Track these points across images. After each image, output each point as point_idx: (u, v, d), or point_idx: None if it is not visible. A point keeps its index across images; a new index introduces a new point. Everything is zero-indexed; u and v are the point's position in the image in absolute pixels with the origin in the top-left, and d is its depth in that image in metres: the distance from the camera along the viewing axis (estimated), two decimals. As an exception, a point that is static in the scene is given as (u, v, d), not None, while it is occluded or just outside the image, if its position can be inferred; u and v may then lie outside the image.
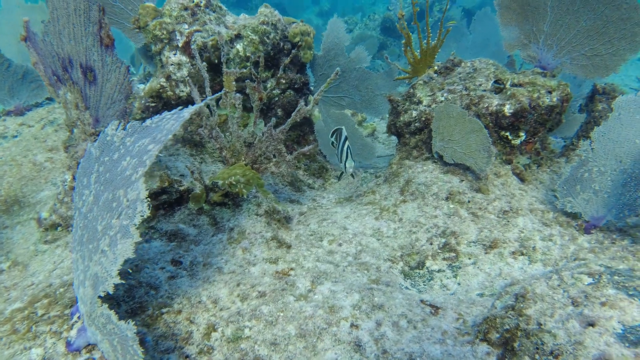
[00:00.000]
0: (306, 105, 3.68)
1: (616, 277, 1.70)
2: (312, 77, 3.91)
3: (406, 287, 2.33)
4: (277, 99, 3.47)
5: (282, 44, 3.31)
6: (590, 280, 1.71)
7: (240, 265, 2.19)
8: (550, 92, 2.82)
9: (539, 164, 3.18)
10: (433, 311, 1.94)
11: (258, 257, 2.27)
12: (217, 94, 1.60)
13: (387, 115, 3.47)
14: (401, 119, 3.23)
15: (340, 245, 2.54)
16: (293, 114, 2.53)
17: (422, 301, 2.02)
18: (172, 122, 1.54)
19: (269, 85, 3.41)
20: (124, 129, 1.69)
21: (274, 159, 2.63)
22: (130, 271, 1.98)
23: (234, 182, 2.48)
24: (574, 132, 3.55)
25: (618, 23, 2.80)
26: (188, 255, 2.20)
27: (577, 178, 2.55)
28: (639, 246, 2.11)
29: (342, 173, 2.82)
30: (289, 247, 2.42)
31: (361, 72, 3.47)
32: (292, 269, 2.21)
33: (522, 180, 2.98)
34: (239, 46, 3.08)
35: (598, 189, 2.48)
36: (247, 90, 2.53)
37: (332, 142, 2.84)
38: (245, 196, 2.45)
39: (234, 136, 2.65)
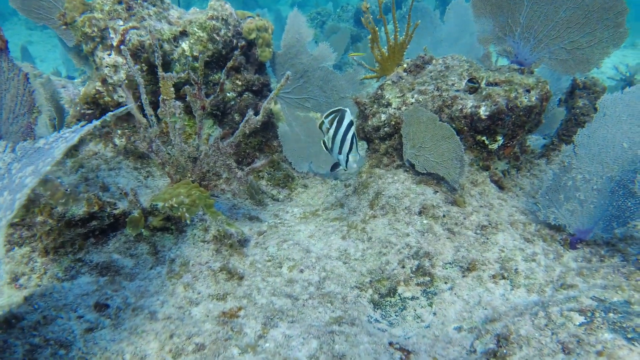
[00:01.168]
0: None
1: (611, 315, 1.45)
2: (274, 76, 3.58)
3: (376, 320, 2.05)
4: (233, 102, 3.14)
5: (235, 41, 2.97)
6: (582, 319, 1.46)
7: (179, 306, 1.86)
8: (528, 91, 2.57)
9: (518, 169, 2.94)
10: (404, 357, 1.66)
11: (202, 294, 1.95)
12: (120, 110, 1.27)
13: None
14: (369, 123, 2.94)
15: (301, 272, 2.24)
16: (241, 125, 2.21)
17: (390, 344, 1.74)
18: (64, 144, 1.21)
19: (225, 88, 3.06)
20: (13, 150, 1.35)
21: (224, 176, 2.31)
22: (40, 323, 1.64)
23: (176, 205, 2.15)
24: (554, 129, 3.33)
25: (600, 12, 2.56)
26: (117, 296, 1.87)
27: (560, 186, 2.31)
28: (632, 267, 1.88)
29: (334, 166, 2.28)
30: (241, 278, 2.11)
31: (325, 72, 3.16)
32: (241, 307, 1.90)
33: (500, 187, 2.73)
34: (185, 45, 2.73)
35: (583, 198, 2.24)
36: (187, 98, 2.19)
37: (326, 127, 2.27)
38: (188, 221, 2.12)
39: (176, 150, 2.31)
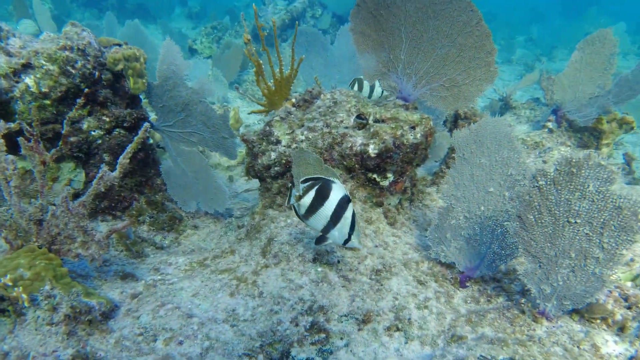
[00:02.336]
0: (143, 144, 2.99)
1: (500, 377, 1.40)
2: (152, 110, 3.21)
3: (267, 392, 1.83)
4: (100, 141, 2.72)
5: (97, 73, 2.57)
6: (473, 386, 1.38)
7: None
8: (413, 128, 2.58)
9: (411, 200, 2.96)
10: None
11: (46, 399, 1.56)
12: None
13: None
14: (259, 161, 2.74)
15: (180, 344, 1.94)
16: (94, 182, 1.85)
17: None
18: None
19: (84, 127, 2.64)
20: None
21: (80, 239, 1.92)
22: None
23: (10, 283, 1.72)
24: (441, 157, 3.43)
25: (472, 51, 2.67)
26: None
27: (446, 225, 2.32)
28: (515, 310, 1.90)
29: (320, 238, 1.93)
30: (101, 366, 1.75)
31: (206, 107, 2.90)
32: (98, 410, 1.55)
33: (391, 224, 2.70)
34: (29, 80, 2.28)
35: (467, 236, 2.27)
36: (23, 151, 1.79)
37: (297, 195, 1.91)
38: (27, 303, 1.70)
39: (15, 211, 1.87)
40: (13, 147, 2.08)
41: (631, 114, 4.10)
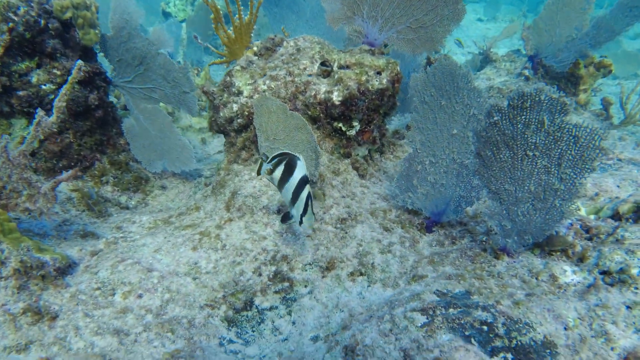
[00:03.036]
0: (101, 100, 2.84)
1: (451, 311, 1.39)
2: (109, 64, 3.05)
3: (230, 340, 1.81)
4: (52, 96, 2.58)
5: (43, 22, 2.41)
6: (424, 319, 1.37)
7: (-48, 377, 1.41)
8: (379, 73, 2.49)
9: (381, 152, 2.90)
10: (247, 390, 1.44)
11: (-7, 352, 1.51)
12: None
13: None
14: (221, 114, 2.63)
15: (139, 297, 1.89)
16: (32, 128, 1.74)
17: (234, 375, 1.51)
18: None
19: (34, 80, 2.49)
20: None
21: (26, 192, 1.83)
22: None
23: (-50, 239, 1.63)
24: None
25: (440, -9, 2.54)
26: None
27: (413, 171, 2.28)
28: (477, 248, 1.89)
29: (286, 215, 1.85)
30: (54, 318, 1.69)
31: (165, 60, 2.76)
32: (47, 359, 1.51)
33: (362, 175, 2.65)
34: (-36, 27, 2.11)
35: (433, 181, 2.22)
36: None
37: (268, 169, 1.85)
38: (-32, 259, 1.63)
39: (-47, 165, 1.76)
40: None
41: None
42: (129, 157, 3.14)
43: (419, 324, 1.34)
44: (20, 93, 2.44)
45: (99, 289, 1.90)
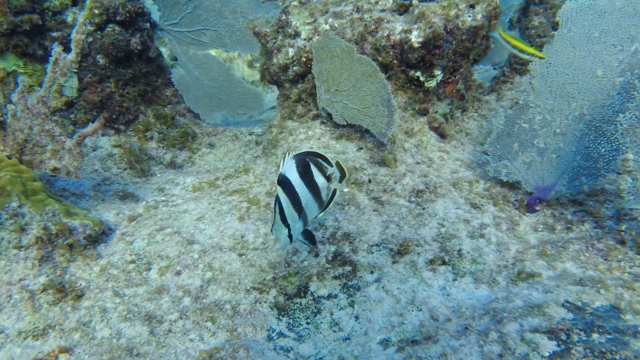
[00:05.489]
0: (144, 45, 2.52)
1: (596, 338, 0.95)
2: (153, 3, 2.72)
3: (280, 333, 1.50)
4: (90, 39, 2.30)
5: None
6: (553, 346, 0.95)
7: (-41, 364, 1.20)
8: (472, 7, 1.95)
9: (463, 109, 2.39)
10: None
11: (8, 333, 1.29)
12: None
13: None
14: (275, 61, 2.23)
15: (177, 274, 1.62)
16: (49, 69, 1.44)
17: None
18: None
19: (69, 20, 2.21)
20: None
21: (50, 147, 1.57)
22: None
23: (-35, 201, 1.41)
24: (504, 57, 2.77)
25: None
26: None
27: (514, 132, 1.78)
28: (610, 240, 1.40)
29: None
30: (78, 297, 1.46)
31: (219, -10, 2.37)
32: (66, 349, 1.27)
33: (442, 136, 2.18)
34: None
35: (543, 146, 1.72)
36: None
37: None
38: (-17, 225, 1.40)
39: (-29, 115, 1.53)
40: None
41: None
42: (175, 111, 2.86)
43: (547, 354, 0.92)
44: (54, 34, 2.17)
45: (133, 262, 1.65)
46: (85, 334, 1.32)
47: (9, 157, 1.66)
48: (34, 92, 1.76)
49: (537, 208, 1.74)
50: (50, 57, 1.48)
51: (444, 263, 1.52)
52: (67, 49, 1.45)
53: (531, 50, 1.89)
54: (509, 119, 1.78)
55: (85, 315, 1.39)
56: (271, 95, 4.62)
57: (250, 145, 2.93)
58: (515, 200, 1.77)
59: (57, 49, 1.41)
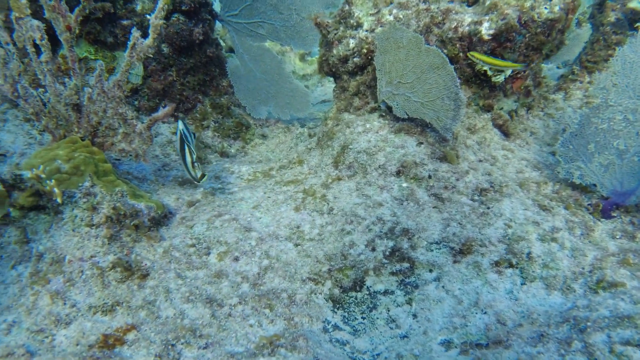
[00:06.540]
0: (205, 35, 2.58)
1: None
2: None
3: (335, 326, 1.49)
4: (156, 30, 2.36)
5: (146, -59, 2.15)
6: (650, 361, 0.87)
7: (37, 330, 1.27)
8: (550, -1, 1.84)
9: (529, 107, 2.28)
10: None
11: (79, 307, 1.35)
12: None
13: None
14: (334, 52, 2.21)
15: (236, 260, 1.64)
16: (126, 53, 1.49)
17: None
18: None
19: (138, 8, 2.28)
20: None
21: (122, 130, 1.63)
22: None
23: (43, 175, 1.49)
24: (574, 55, 2.61)
25: None
26: (-51, 319, 1.27)
27: (590, 132, 1.67)
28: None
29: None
30: (144, 276, 1.51)
31: (278, -16, 2.38)
32: (133, 326, 1.31)
33: (506, 134, 2.08)
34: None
35: (624, 148, 1.61)
36: (46, 14, 1.46)
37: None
38: (59, 199, 1.47)
39: (51, 94, 1.60)
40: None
41: None
42: (230, 101, 2.91)
43: (640, 371, 0.85)
44: (125, 22, 2.25)
45: (193, 245, 1.69)
46: (150, 312, 1.36)
47: (82, 139, 1.73)
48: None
49: (614, 214, 1.63)
50: (127, 42, 1.53)
51: (511, 266, 1.45)
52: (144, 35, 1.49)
53: (508, 64, 1.82)
54: (584, 118, 1.68)
55: (151, 294, 1.43)
56: (321, 89, 4.62)
57: (301, 137, 2.93)
58: (589, 204, 1.66)
59: (135, 34, 1.45)
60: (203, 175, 1.78)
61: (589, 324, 1.00)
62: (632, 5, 2.37)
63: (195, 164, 1.67)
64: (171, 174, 2.30)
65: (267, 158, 2.79)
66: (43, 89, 1.63)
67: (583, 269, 1.35)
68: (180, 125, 1.66)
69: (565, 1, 1.83)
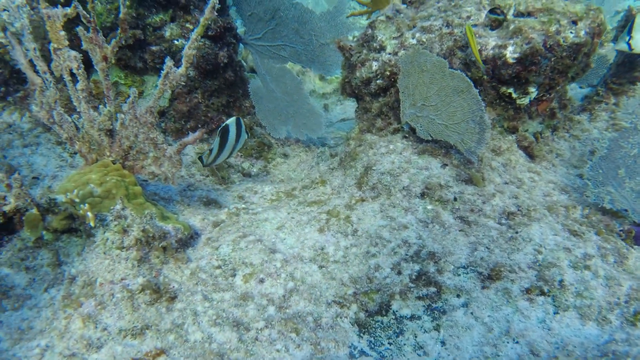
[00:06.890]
0: (230, 59, 2.65)
1: None
2: (239, 19, 2.85)
3: (362, 352, 1.47)
4: (183, 54, 2.43)
5: (176, -30, 2.23)
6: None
7: (70, 354, 1.29)
8: (575, 23, 1.84)
9: (554, 129, 2.26)
10: None
11: (110, 331, 1.37)
12: None
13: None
14: (357, 74, 2.24)
15: (261, 282, 1.65)
16: (159, 82, 1.53)
17: (376, 413, 1.16)
18: None
19: (167, 35, 2.36)
20: None
21: (152, 154, 1.67)
22: None
23: (77, 199, 1.53)
24: (598, 76, 2.59)
25: None
26: (-14, 340, 1.30)
27: (620, 156, 1.65)
28: None
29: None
30: (172, 299, 1.52)
31: (300, 11, 2.44)
32: (163, 351, 1.32)
33: (531, 156, 2.06)
34: (101, -25, 2.00)
35: (655, 173, 1.58)
36: (84, 45, 1.52)
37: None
38: (92, 223, 1.51)
39: (85, 120, 1.66)
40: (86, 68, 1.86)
41: None
42: (253, 121, 2.96)
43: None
44: (153, 48, 2.33)
45: (219, 267, 1.70)
46: (179, 336, 1.37)
47: (114, 163, 1.78)
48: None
49: (646, 240, 1.59)
50: (158, 68, 1.57)
51: (542, 293, 1.43)
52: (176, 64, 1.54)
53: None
54: (613, 142, 1.65)
55: (179, 317, 1.45)
56: (340, 107, 4.66)
57: (322, 156, 2.95)
58: (621, 230, 1.63)
59: (169, 62, 1.50)
60: (201, 160, 1.95)
61: (629, 359, 0.98)
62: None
63: (212, 155, 1.90)
64: (196, 194, 2.34)
65: (289, 177, 2.82)
66: (77, 115, 1.68)
67: (619, 299, 1.32)
68: (232, 121, 1.87)
69: (590, 25, 1.83)
